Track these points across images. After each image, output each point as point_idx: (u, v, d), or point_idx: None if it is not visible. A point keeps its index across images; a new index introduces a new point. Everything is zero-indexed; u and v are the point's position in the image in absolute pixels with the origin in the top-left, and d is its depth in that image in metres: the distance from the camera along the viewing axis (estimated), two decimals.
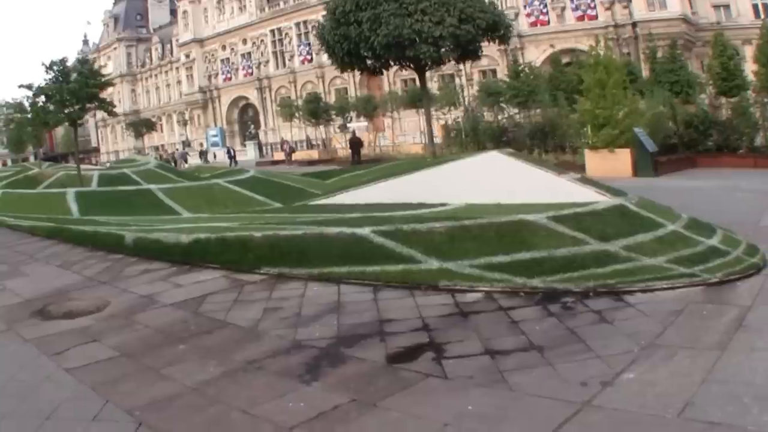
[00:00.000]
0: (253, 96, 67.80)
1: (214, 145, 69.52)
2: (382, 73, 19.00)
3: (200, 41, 71.73)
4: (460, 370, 4.47)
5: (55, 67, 17.22)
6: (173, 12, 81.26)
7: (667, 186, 14.72)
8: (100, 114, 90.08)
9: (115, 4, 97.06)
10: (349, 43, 16.47)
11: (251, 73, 65.89)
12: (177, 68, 77.31)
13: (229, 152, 48.55)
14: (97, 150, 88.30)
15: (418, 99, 33.88)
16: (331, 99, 52.40)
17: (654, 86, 23.93)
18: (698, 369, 4.37)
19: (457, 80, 46.56)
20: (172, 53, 78.38)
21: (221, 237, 8.27)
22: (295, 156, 39.54)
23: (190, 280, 7.61)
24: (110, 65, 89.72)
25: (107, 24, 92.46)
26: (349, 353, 4.89)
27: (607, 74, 17.09)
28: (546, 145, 21.73)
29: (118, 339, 5.73)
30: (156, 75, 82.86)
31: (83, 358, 5.29)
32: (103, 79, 18.18)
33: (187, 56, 73.43)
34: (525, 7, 46.91)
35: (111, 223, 11.75)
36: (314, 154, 39.73)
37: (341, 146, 40.77)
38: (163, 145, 79.45)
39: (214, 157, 59.10)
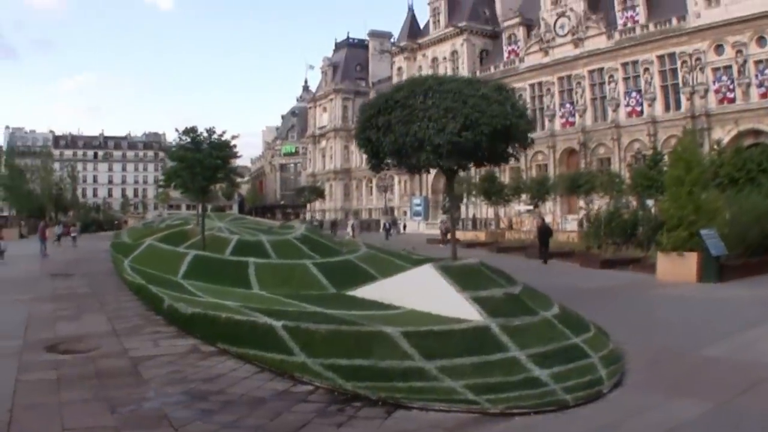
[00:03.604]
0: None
1: (417, 214, 74.70)
2: (427, 172, 20.65)
3: None
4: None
5: (191, 134, 21.05)
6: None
7: (696, 296, 15.29)
8: (311, 167, 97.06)
9: (335, 51, 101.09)
10: (372, 147, 18.28)
11: None
12: None
13: (384, 226, 53.84)
14: (304, 206, 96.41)
15: (576, 186, 35.44)
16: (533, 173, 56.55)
17: None
18: None
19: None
20: None
21: (203, 313, 11.64)
22: (458, 236, 42.12)
23: (168, 344, 11.06)
24: (325, 117, 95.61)
25: (325, 72, 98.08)
26: (164, 407, 7.77)
27: (687, 171, 17.11)
28: None
29: (70, 371, 9.25)
30: None
31: (34, 376, 8.90)
32: (229, 151, 21.82)
33: None
34: (714, 83, 48.26)
35: (186, 289, 15.58)
36: (481, 236, 42.01)
37: (515, 229, 43.21)
38: (371, 210, 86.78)
39: (404, 228, 63.51)
